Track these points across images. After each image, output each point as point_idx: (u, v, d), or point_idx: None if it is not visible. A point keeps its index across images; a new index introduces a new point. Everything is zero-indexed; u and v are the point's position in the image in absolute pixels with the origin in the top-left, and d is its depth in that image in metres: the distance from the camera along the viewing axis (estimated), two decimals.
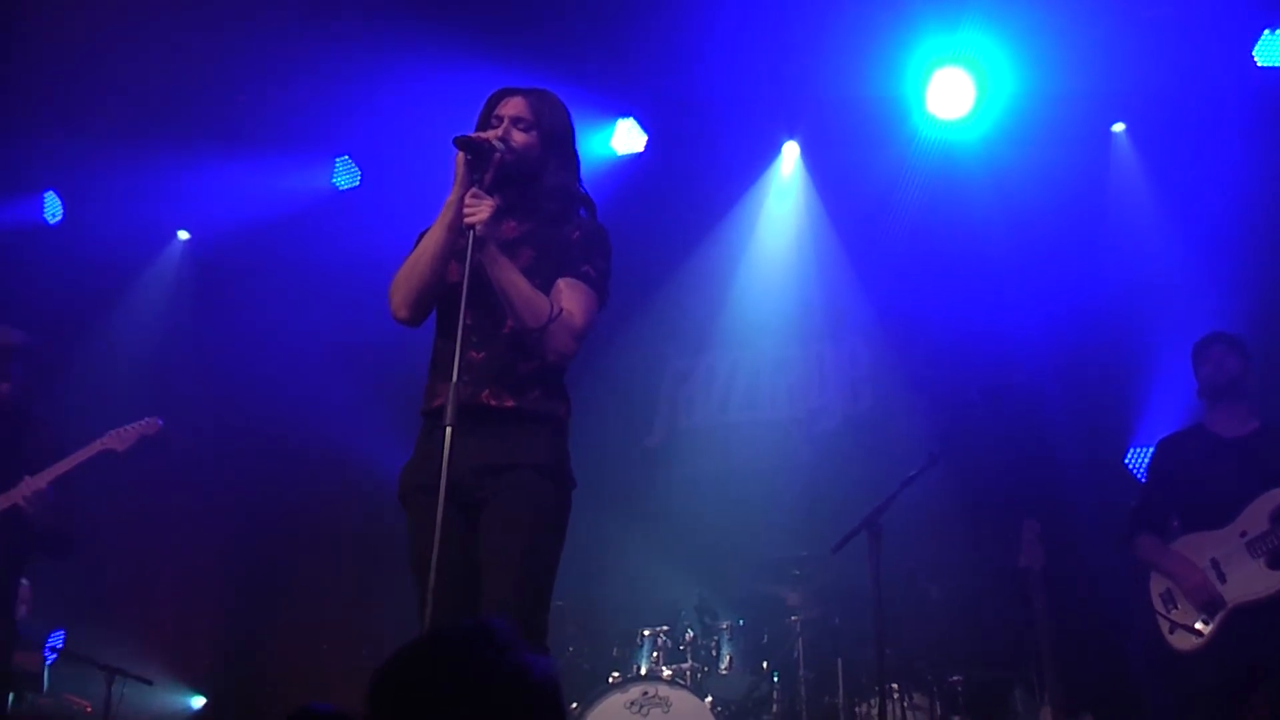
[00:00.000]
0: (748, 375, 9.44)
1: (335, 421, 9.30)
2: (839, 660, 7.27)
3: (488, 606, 3.97)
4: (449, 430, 3.78)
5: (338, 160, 10.01)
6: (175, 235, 10.46)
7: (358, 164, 10.00)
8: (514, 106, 4.36)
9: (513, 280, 4.07)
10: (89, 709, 8.23)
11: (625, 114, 9.33)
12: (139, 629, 9.48)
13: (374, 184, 9.89)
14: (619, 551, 8.46)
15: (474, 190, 4.09)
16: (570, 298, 4.19)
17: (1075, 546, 7.36)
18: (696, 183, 9.24)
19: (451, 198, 4.16)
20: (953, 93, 8.50)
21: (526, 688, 2.21)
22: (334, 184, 10.03)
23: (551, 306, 4.12)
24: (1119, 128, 8.60)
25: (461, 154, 4.17)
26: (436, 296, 4.24)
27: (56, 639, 8.49)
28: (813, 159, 9.32)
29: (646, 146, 9.36)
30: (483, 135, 4.24)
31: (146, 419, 6.20)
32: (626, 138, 9.35)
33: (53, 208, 10.24)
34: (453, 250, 4.16)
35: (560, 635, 7.43)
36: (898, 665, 7.00)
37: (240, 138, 9.47)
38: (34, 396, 6.30)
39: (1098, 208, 8.45)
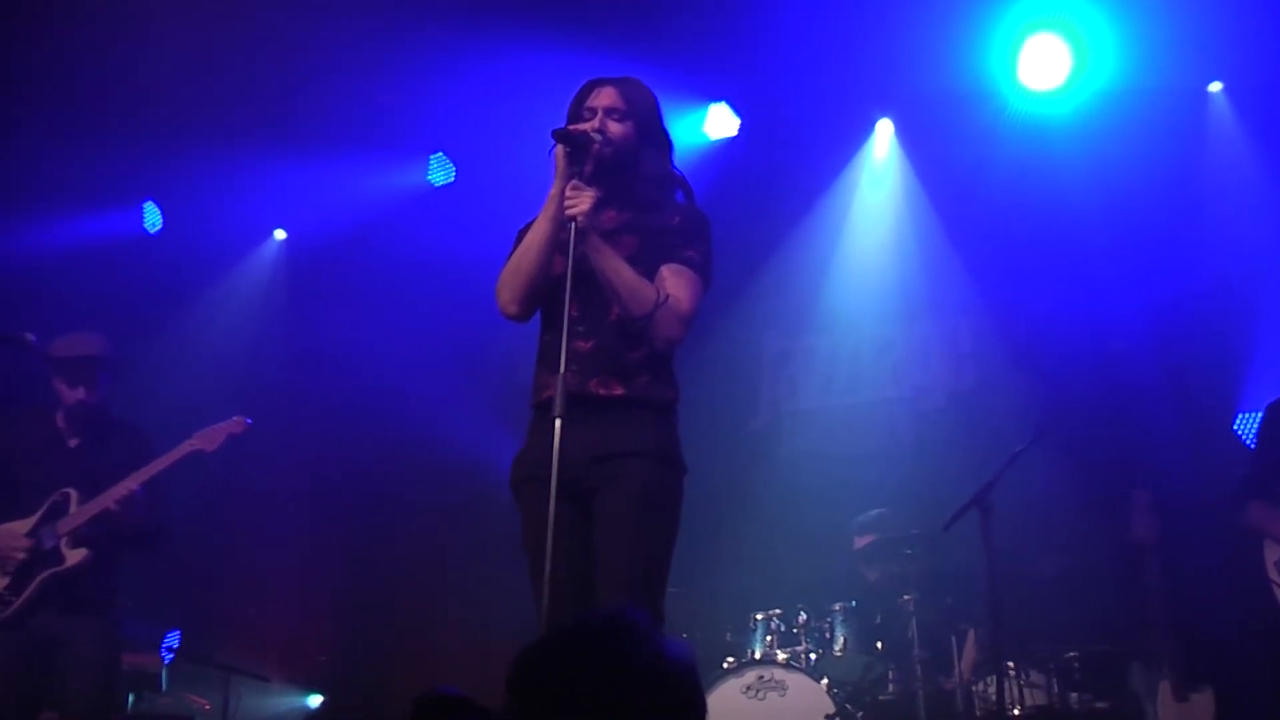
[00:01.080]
0: (849, 357, 9.41)
1: (440, 417, 9.40)
2: (953, 639, 7.27)
3: (604, 594, 4.03)
4: (558, 421, 3.83)
5: (431, 157, 10.09)
6: (271, 235, 10.66)
7: (452, 160, 10.07)
8: (606, 97, 4.41)
9: (617, 269, 4.13)
10: (207, 707, 8.38)
11: (717, 99, 9.32)
12: (254, 628, 9.64)
13: (469, 179, 9.96)
14: (728, 536, 8.47)
15: (574, 182, 4.15)
16: (675, 283, 4.23)
17: (1186, 516, 7.26)
18: (791, 164, 9.20)
19: (553, 190, 4.23)
20: (1047, 61, 8.41)
21: (664, 673, 2.25)
22: (429, 181, 10.12)
23: (657, 293, 4.16)
24: (1215, 88, 8.44)
25: (561, 147, 4.23)
26: (544, 290, 4.29)
27: (172, 639, 8.67)
28: (907, 135, 9.25)
29: (739, 130, 9.34)
30: (580, 127, 4.30)
31: (234, 417, 6.33)
32: (719, 122, 9.34)
33: (152, 217, 10.43)
34: (557, 243, 4.21)
35: (672, 621, 7.42)
36: (1013, 643, 6.95)
37: (334, 137, 9.56)
38: (115, 402, 6.47)
39: (1198, 173, 8.29)
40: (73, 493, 6.07)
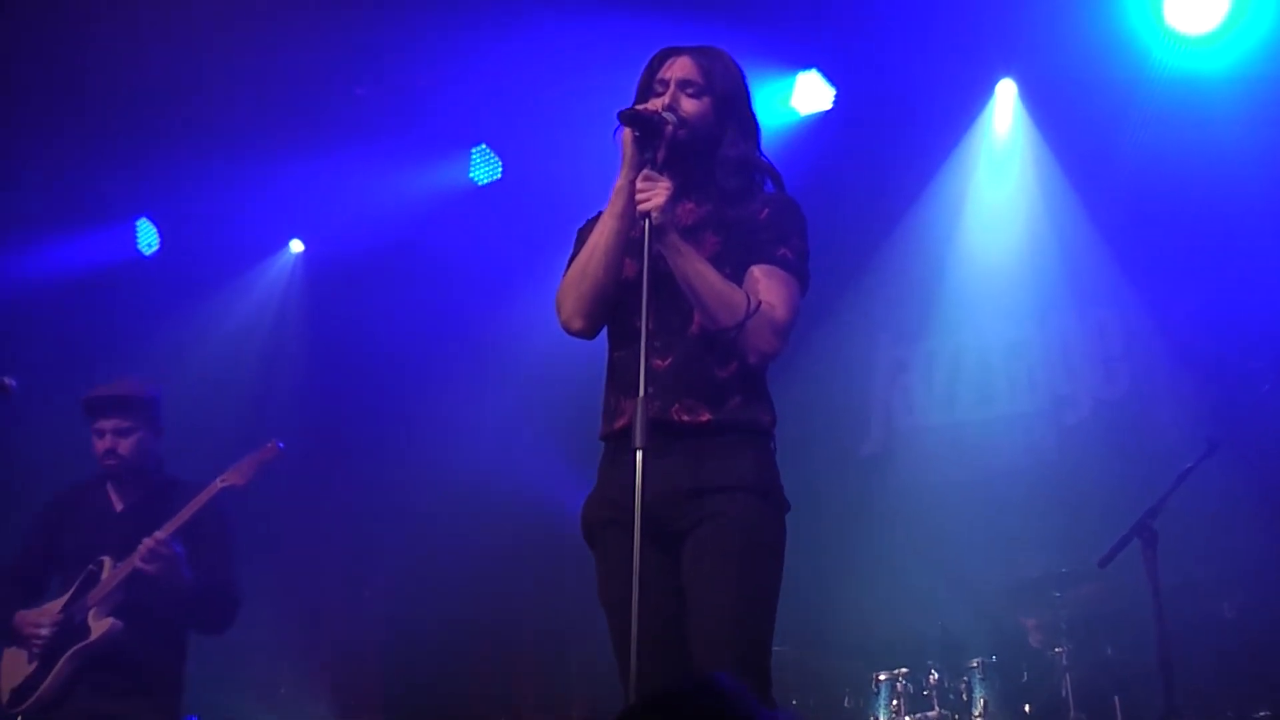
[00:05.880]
0: (977, 363, 9.36)
1: (495, 450, 9.48)
2: (1116, 699, 7.19)
3: (699, 655, 4.02)
4: (639, 453, 3.80)
5: (474, 151, 10.14)
6: (287, 247, 10.77)
7: (497, 153, 10.12)
8: (680, 68, 4.39)
9: (700, 272, 4.11)
10: None
11: (806, 66, 9.31)
12: (301, 676, 9.77)
13: (518, 175, 10.03)
14: (840, 582, 8.47)
15: (646, 171, 4.13)
16: (769, 287, 4.21)
17: None
18: (897, 140, 9.19)
19: (620, 182, 4.22)
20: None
21: None
22: (471, 179, 10.17)
23: (748, 299, 4.14)
24: None
25: (628, 131, 4.22)
26: (613, 299, 4.29)
27: None
28: (1033, 97, 9.21)
29: (834, 102, 9.34)
30: (649, 107, 4.28)
31: (266, 444, 6.43)
32: (810, 94, 9.34)
33: (148, 237, 10.56)
34: (626, 244, 4.22)
35: (780, 685, 7.40)
36: (1188, 700, 6.88)
37: (356, 132, 9.64)
38: (161, 452, 6.59)
39: None
40: (106, 560, 6.22)
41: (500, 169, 10.13)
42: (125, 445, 6.41)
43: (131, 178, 9.89)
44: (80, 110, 9.30)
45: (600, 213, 4.35)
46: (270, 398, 10.18)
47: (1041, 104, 9.14)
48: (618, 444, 4.24)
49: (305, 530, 10.14)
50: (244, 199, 10.05)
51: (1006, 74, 9.22)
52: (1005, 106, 9.29)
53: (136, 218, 10.53)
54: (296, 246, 10.80)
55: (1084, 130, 8.82)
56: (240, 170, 9.71)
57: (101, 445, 6.41)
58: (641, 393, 3.87)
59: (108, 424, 6.41)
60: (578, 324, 4.32)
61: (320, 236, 10.65)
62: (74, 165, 9.60)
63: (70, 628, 6.15)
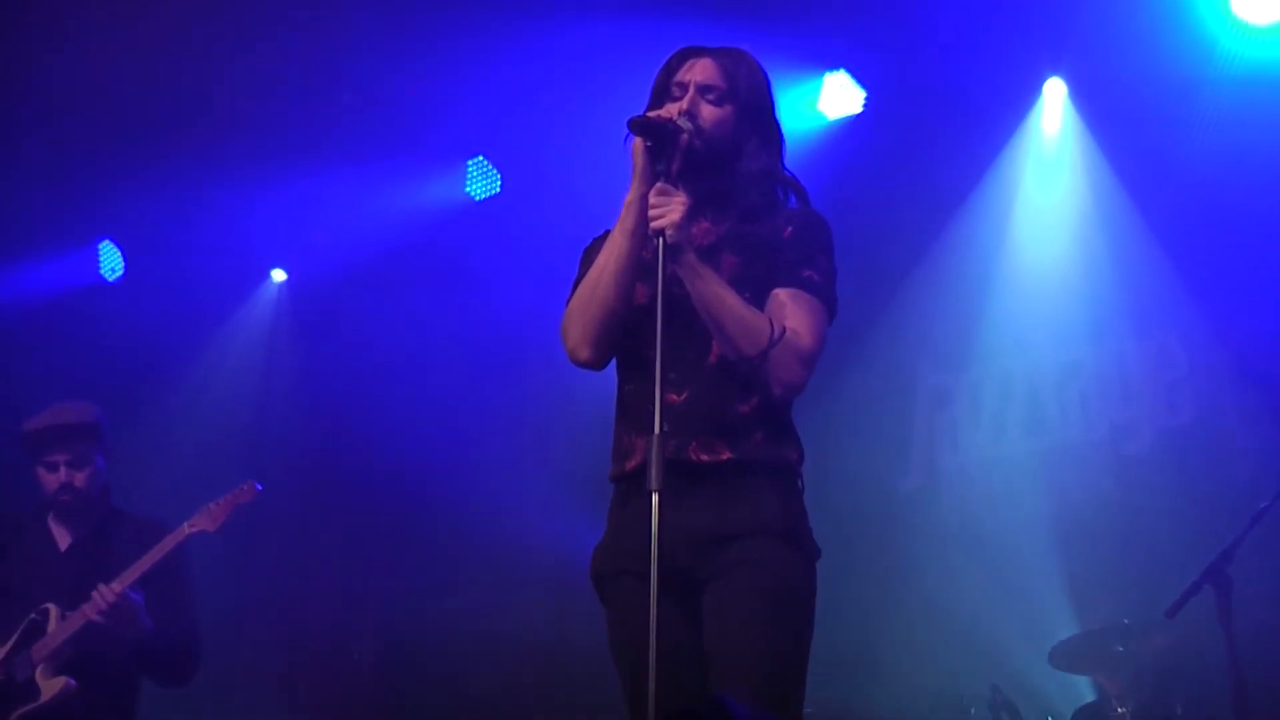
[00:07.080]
0: (1025, 389, 9.33)
1: (498, 489, 9.47)
2: None
3: None
4: (655, 496, 3.77)
5: (470, 163, 10.16)
6: (268, 276, 10.77)
7: (496, 166, 10.13)
8: (702, 71, 4.38)
9: (720, 295, 4.09)
10: None
11: (834, 66, 9.30)
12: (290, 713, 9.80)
13: (519, 189, 10.03)
14: (877, 635, 8.44)
15: (660, 185, 4.11)
16: (794, 312, 4.20)
17: None
18: (935, 146, 9.16)
19: (631, 196, 4.20)
20: None
21: None
22: (468, 193, 10.19)
23: (771, 325, 4.12)
24: None
25: (639, 141, 4.21)
26: (624, 326, 4.27)
27: None
28: (1085, 98, 9.19)
29: (865, 105, 9.33)
30: (663, 113, 4.27)
31: (241, 485, 6.43)
32: (838, 96, 9.33)
33: (111, 261, 10.55)
34: (638, 265, 4.21)
35: None
36: None
37: (344, 146, 9.66)
38: (109, 480, 6.59)
39: None
40: (52, 608, 6.18)
41: (499, 183, 10.14)
42: (81, 478, 6.40)
43: (93, 195, 9.87)
44: (36, 120, 9.30)
45: (609, 231, 4.33)
46: (257, 432, 10.23)
47: (1094, 104, 9.11)
48: (630, 486, 4.23)
49: (298, 565, 10.17)
50: (219, 219, 10.06)
51: (1055, 72, 9.19)
52: (1054, 107, 9.25)
53: (99, 240, 10.54)
54: (278, 276, 10.79)
55: (1141, 132, 8.78)
56: (215, 190, 9.74)
57: (54, 480, 6.38)
58: (657, 430, 3.83)
59: (60, 457, 6.38)
60: (585, 353, 4.31)
61: (304, 260, 10.64)
62: (29, 180, 9.58)
63: (13, 686, 6.10)
